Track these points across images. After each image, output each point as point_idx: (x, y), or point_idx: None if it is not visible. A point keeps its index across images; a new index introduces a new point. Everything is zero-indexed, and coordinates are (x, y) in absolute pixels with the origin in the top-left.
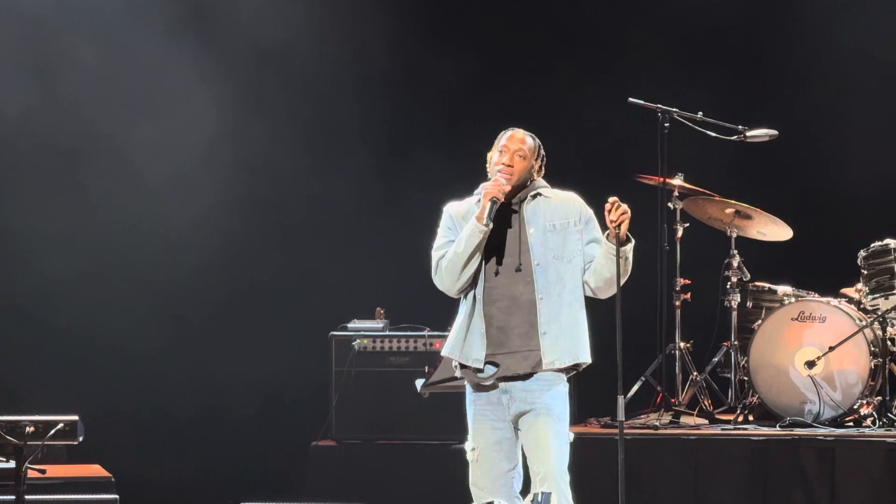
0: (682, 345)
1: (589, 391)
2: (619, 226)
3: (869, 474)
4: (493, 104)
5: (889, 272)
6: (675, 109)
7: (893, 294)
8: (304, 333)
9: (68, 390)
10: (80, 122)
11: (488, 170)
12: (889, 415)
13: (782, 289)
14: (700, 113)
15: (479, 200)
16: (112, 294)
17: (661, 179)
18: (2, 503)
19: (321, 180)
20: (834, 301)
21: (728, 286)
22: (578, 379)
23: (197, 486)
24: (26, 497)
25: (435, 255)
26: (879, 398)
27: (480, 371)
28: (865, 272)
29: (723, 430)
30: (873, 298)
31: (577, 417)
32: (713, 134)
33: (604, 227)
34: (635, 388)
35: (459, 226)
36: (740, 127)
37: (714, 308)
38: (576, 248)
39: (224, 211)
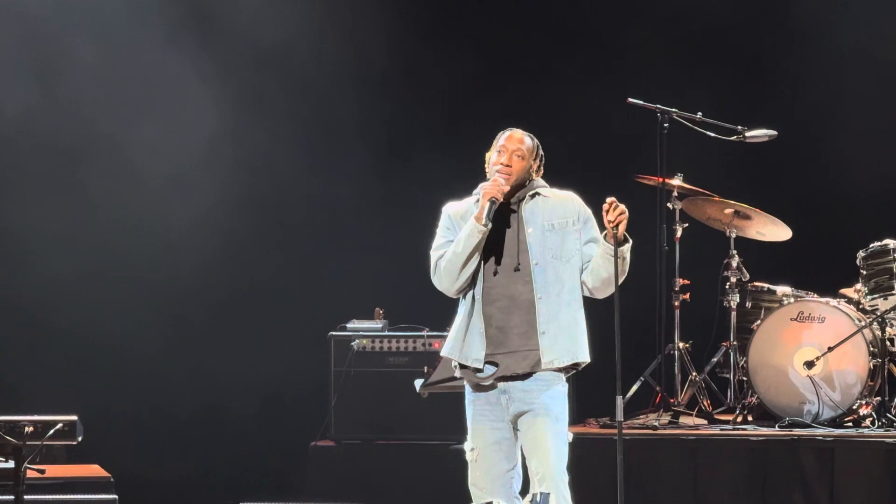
0: (681, 345)
1: (588, 391)
2: (616, 226)
3: (868, 474)
4: (492, 104)
5: (888, 272)
6: (674, 110)
7: (892, 294)
8: (304, 333)
9: (68, 390)
10: (80, 122)
11: (487, 170)
12: (888, 415)
13: (781, 289)
14: (699, 113)
15: (477, 200)
16: (112, 294)
17: (661, 180)
18: (1, 503)
19: (321, 180)
20: (833, 301)
21: (727, 286)
22: (577, 379)
23: (196, 486)
24: (25, 497)
25: (434, 255)
26: (878, 398)
27: (480, 371)
28: (864, 272)
29: (722, 430)
30: (872, 299)
31: (576, 417)
32: (712, 134)
33: (602, 226)
34: (634, 388)
35: (458, 226)
36: (739, 127)
37: (713, 308)
38: (574, 248)
39: (224, 211)
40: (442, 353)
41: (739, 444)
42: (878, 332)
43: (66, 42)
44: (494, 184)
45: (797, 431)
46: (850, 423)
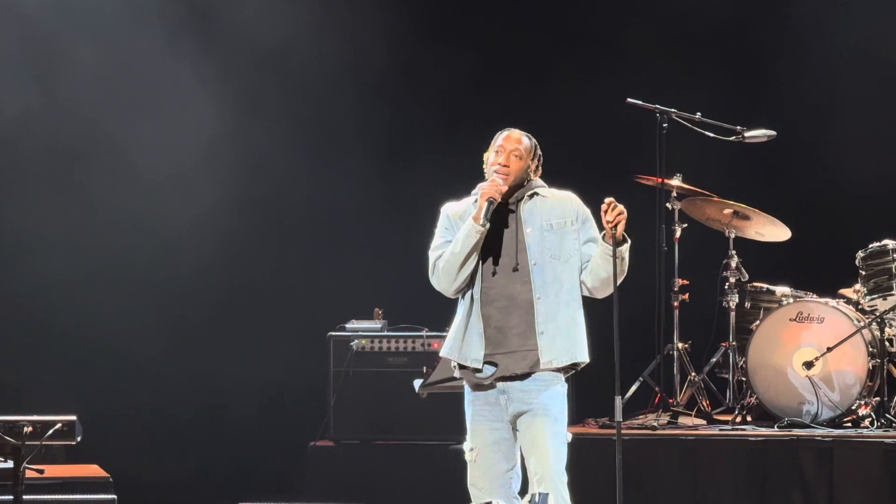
0: (680, 345)
1: (587, 392)
2: (615, 226)
3: (867, 475)
4: (492, 104)
5: (887, 273)
6: (673, 110)
7: (892, 295)
8: (303, 334)
9: (67, 390)
10: (79, 122)
11: (485, 170)
12: (887, 415)
13: (780, 289)
14: (698, 113)
15: (476, 201)
16: (111, 294)
17: (660, 180)
18: (0, 503)
19: (320, 180)
20: (832, 302)
21: (726, 287)
22: (576, 379)
23: (195, 486)
24: (24, 497)
25: (432, 255)
26: (877, 399)
27: (479, 371)
28: (864, 273)
29: (721, 430)
30: (871, 299)
31: (575, 418)
32: (711, 134)
33: (601, 226)
34: (633, 388)
35: (457, 226)
36: (739, 127)
37: (712, 308)
38: (573, 248)
39: (223, 211)
40: (441, 354)
41: (738, 445)
42: (877, 333)
43: (65, 42)
44: (492, 184)
45: (796, 432)
46: (849, 424)
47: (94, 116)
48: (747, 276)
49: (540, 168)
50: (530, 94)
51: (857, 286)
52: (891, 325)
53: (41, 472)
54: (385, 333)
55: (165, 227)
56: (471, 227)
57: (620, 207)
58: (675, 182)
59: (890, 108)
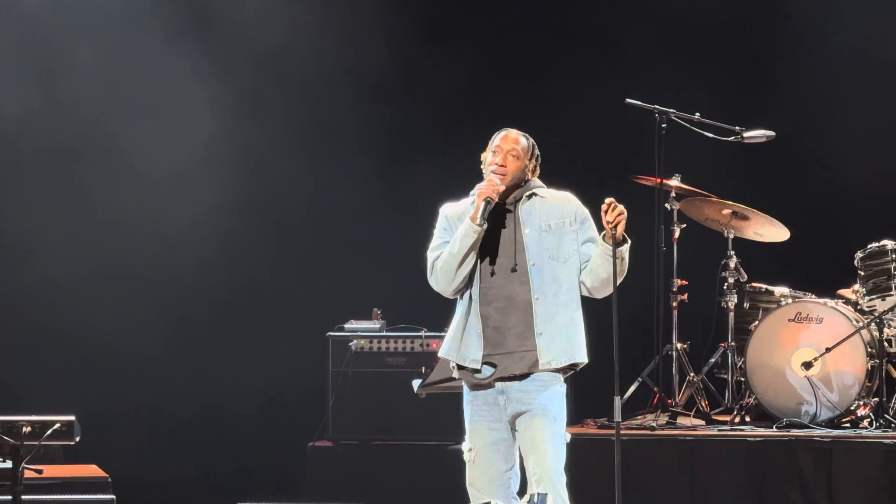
0: (678, 346)
1: (586, 392)
2: (615, 226)
3: (866, 475)
4: (491, 105)
5: (886, 273)
6: (672, 110)
7: (890, 295)
8: (302, 334)
9: (67, 391)
10: (80, 122)
11: (483, 170)
12: (886, 416)
13: (779, 290)
14: (697, 114)
15: (474, 201)
16: (111, 294)
17: (659, 180)
18: None
19: (320, 181)
20: (831, 302)
21: (725, 287)
22: (575, 379)
23: (193, 486)
24: (23, 497)
25: (430, 255)
26: (876, 399)
27: (478, 371)
28: (862, 273)
29: (719, 431)
30: (870, 299)
31: (573, 418)
32: (710, 135)
33: (600, 227)
34: (632, 388)
35: (455, 226)
36: (737, 128)
37: (711, 309)
38: (571, 249)
39: (223, 212)
40: (440, 354)
41: (737, 445)
42: (876, 333)
43: (65, 42)
44: (489, 184)
45: (795, 432)
46: (848, 424)
47: (94, 116)
48: (746, 276)
49: (538, 168)
50: (530, 94)
51: (856, 286)
52: (889, 326)
53: (40, 472)
54: (384, 334)
55: (165, 227)
56: (468, 227)
57: (621, 208)
58: (674, 182)
59: (889, 109)
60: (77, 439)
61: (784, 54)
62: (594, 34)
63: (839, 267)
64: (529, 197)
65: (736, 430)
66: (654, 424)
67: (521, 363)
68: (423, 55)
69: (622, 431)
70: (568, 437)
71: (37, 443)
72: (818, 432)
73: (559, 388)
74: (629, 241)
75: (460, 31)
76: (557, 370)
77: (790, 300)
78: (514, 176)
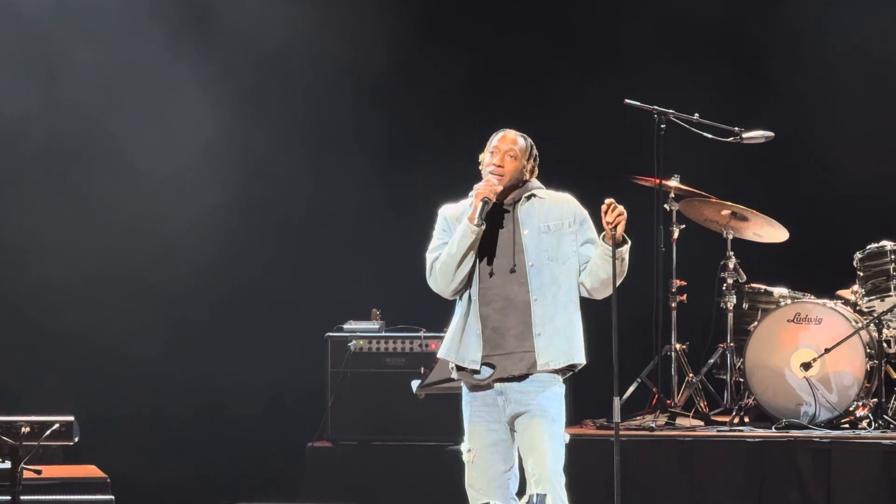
0: (678, 346)
1: (585, 393)
2: (615, 227)
3: (865, 476)
4: (491, 105)
5: (885, 274)
6: (671, 111)
7: (889, 296)
8: (301, 334)
9: (67, 391)
10: (79, 122)
11: (481, 171)
12: (884, 416)
13: (778, 290)
14: (696, 114)
15: (472, 202)
16: (111, 295)
17: (658, 181)
18: None
19: (320, 181)
20: (830, 303)
21: (724, 288)
22: (574, 380)
23: (192, 487)
24: (22, 497)
25: (429, 256)
26: (875, 400)
27: (477, 372)
28: (861, 274)
29: (718, 431)
30: (869, 300)
31: (572, 419)
32: (710, 135)
33: (599, 227)
34: (631, 389)
35: (454, 227)
36: (737, 128)
37: (710, 310)
38: (570, 250)
39: (223, 211)
40: (439, 355)
41: (736, 446)
42: (875, 334)
43: (65, 42)
44: (487, 184)
45: (794, 433)
46: (847, 425)
47: (93, 117)
48: (745, 277)
49: (536, 168)
50: (529, 94)
51: (855, 287)
52: (888, 327)
53: (39, 472)
54: (383, 334)
55: (165, 228)
56: (466, 227)
57: (620, 208)
58: (673, 183)
59: (888, 110)
60: (76, 440)
61: (783, 55)
62: (594, 34)
63: (838, 268)
64: (528, 198)
65: (735, 430)
66: (653, 425)
67: (520, 364)
68: (423, 55)
69: (621, 432)
70: (567, 438)
71: (36, 443)
72: (817, 433)
73: (558, 388)
74: (629, 242)
75: (460, 32)
76: (556, 371)
77: (789, 301)
78: (512, 176)
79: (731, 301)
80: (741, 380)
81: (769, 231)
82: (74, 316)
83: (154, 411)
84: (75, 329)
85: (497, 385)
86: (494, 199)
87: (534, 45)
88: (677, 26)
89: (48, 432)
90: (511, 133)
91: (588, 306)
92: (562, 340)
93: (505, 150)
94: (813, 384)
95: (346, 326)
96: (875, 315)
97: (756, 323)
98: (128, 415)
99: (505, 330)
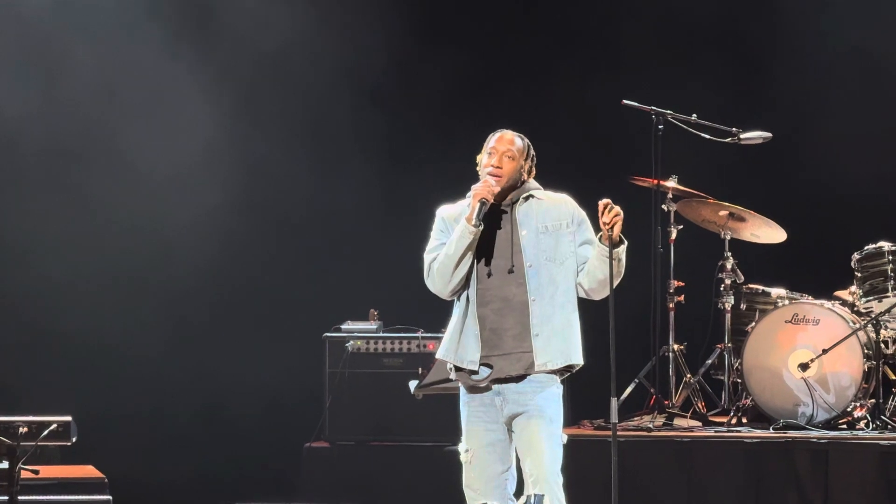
0: (675, 347)
1: (582, 393)
2: (612, 227)
3: (862, 477)
4: (490, 106)
5: (883, 275)
6: (669, 111)
7: (887, 297)
8: (299, 335)
9: (66, 391)
10: (79, 123)
11: (479, 172)
12: (882, 417)
13: (776, 291)
14: (694, 115)
15: (470, 203)
16: (111, 295)
17: (655, 181)
18: None
19: (319, 182)
20: (828, 303)
21: (722, 288)
22: (572, 381)
23: (190, 487)
24: (20, 497)
25: (427, 257)
26: (873, 401)
27: (475, 373)
28: (859, 275)
29: (716, 432)
30: (867, 301)
31: (570, 419)
32: (707, 136)
33: (597, 228)
34: (629, 390)
35: (451, 228)
36: (734, 129)
37: (708, 310)
38: (568, 250)
39: (223, 212)
40: (437, 355)
41: (734, 447)
42: (873, 335)
43: (65, 42)
44: (485, 185)
45: (791, 433)
46: (845, 426)
47: (93, 117)
48: (743, 277)
49: (534, 169)
50: (528, 95)
51: (853, 288)
52: (886, 327)
53: (36, 472)
54: (381, 335)
55: (165, 228)
56: (464, 228)
57: (617, 209)
58: (671, 184)
59: (886, 110)
60: (73, 440)
61: (781, 55)
62: (593, 34)
63: (836, 268)
64: (526, 199)
65: (732, 431)
66: (650, 426)
67: (518, 364)
68: (423, 56)
69: (619, 433)
70: (564, 439)
71: (33, 443)
72: (815, 433)
73: (555, 389)
74: (626, 243)
75: (459, 32)
76: (554, 372)
77: (787, 301)
78: (510, 177)
79: (729, 302)
80: (739, 380)
81: (767, 232)
82: (74, 316)
83: (153, 411)
84: (75, 329)
85: (495, 385)
86: (492, 200)
87: (533, 46)
88: (676, 26)
89: (46, 432)
90: (508, 133)
91: (586, 307)
92: (559, 341)
93: (502, 150)
94: (811, 385)
95: (344, 327)
96: (873, 316)
97: (754, 323)
98: (127, 415)
99: (503, 330)
